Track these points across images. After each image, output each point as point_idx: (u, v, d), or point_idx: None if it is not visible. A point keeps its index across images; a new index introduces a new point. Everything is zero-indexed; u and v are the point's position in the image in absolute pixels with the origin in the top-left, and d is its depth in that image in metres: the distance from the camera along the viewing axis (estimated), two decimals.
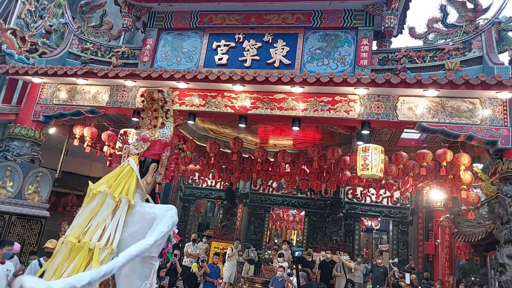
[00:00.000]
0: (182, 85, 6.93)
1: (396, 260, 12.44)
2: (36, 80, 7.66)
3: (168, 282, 7.79)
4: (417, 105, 6.24)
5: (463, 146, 7.62)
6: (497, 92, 5.76)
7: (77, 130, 8.85)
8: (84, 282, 1.94)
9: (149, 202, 2.70)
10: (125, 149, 2.89)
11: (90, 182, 2.69)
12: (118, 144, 2.99)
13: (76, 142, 8.90)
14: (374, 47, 7.07)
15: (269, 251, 12.88)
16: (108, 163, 10.23)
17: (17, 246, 5.55)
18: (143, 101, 3.08)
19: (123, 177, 2.64)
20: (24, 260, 6.60)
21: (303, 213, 16.53)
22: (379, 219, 16.87)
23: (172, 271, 8.33)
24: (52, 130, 8.80)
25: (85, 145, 9.01)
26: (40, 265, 5.47)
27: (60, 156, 9.38)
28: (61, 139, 9.65)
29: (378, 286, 9.60)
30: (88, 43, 8.24)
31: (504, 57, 6.25)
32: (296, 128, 6.84)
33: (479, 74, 5.74)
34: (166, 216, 2.44)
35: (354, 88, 6.25)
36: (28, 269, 5.41)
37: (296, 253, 3.33)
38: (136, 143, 2.87)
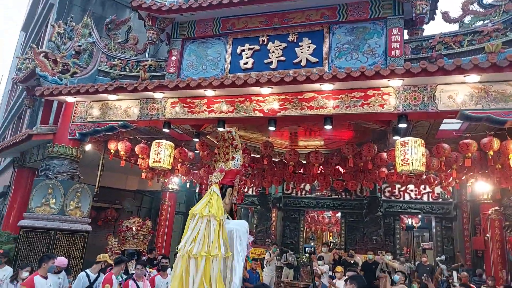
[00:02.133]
0: (209, 92, 6.90)
1: (443, 257, 11.82)
2: (69, 99, 7.89)
3: None
4: (458, 92, 5.87)
5: (510, 132, 7.12)
6: None
7: (112, 145, 9.05)
8: None
9: (229, 218, 3.60)
10: (209, 179, 3.83)
11: (192, 209, 3.59)
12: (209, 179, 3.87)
13: (111, 157, 9.11)
14: (406, 36, 6.76)
15: (307, 255, 12.61)
16: (143, 175, 10.42)
17: (62, 260, 5.68)
18: (218, 141, 4.13)
19: (215, 202, 3.50)
20: (76, 274, 6.78)
21: (338, 214, 16.11)
22: (419, 216, 16.16)
23: None
24: (88, 147, 9.04)
25: (121, 159, 9.20)
26: (88, 277, 5.57)
27: (97, 172, 9.62)
28: (97, 155, 9.91)
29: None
30: (115, 60, 8.42)
31: None
32: (328, 127, 6.62)
33: None
34: (244, 235, 3.51)
35: (388, 80, 5.98)
36: (77, 281, 5.54)
37: (307, 249, 3.49)
38: (215, 174, 3.76)
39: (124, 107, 7.69)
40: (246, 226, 3.69)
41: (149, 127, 8.92)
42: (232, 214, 3.75)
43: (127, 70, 8.28)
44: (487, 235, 10.89)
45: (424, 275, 7.76)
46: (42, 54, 8.51)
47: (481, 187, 10.39)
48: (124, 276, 5.96)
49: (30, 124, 11.37)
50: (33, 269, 5.60)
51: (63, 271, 5.77)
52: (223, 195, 3.67)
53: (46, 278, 5.18)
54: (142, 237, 5.94)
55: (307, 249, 3.72)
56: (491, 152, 6.79)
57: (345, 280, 4.49)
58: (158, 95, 7.25)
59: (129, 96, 7.55)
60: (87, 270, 5.80)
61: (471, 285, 8.36)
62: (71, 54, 8.88)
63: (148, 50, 10.32)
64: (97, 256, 6.22)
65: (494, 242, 10.62)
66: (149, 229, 6.07)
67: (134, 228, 5.96)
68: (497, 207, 10.20)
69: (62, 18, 10.66)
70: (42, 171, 7.67)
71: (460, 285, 5.13)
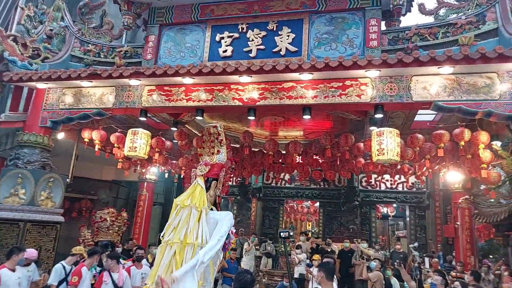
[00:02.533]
0: (187, 80, 6.79)
1: (416, 244, 12.24)
2: (40, 85, 7.59)
3: None
4: (432, 84, 6.01)
5: (480, 124, 7.37)
6: None
7: (86, 134, 8.80)
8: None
9: (213, 210, 3.69)
10: (193, 172, 3.92)
11: (175, 199, 3.63)
12: (193, 173, 3.92)
13: (85, 146, 8.86)
14: (383, 27, 6.83)
15: (282, 239, 12.74)
16: (119, 165, 10.20)
17: (32, 252, 5.52)
18: (202, 135, 4.24)
19: (198, 193, 3.60)
20: (47, 266, 6.61)
21: (317, 204, 16.36)
22: (394, 205, 16.63)
23: None
24: (61, 136, 8.75)
25: (96, 149, 8.97)
26: (64, 268, 5.44)
27: (70, 161, 9.35)
28: (71, 144, 9.62)
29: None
30: (90, 45, 8.13)
31: None
32: (307, 117, 6.65)
33: (496, 47, 5.48)
34: (224, 221, 3.47)
35: (365, 71, 6.04)
36: (53, 273, 5.41)
37: (282, 234, 3.55)
38: (200, 167, 3.87)
39: (99, 94, 7.47)
40: (231, 216, 3.71)
41: (125, 116, 8.70)
42: (216, 206, 3.86)
43: (102, 56, 8.01)
44: (458, 223, 11.31)
45: (397, 261, 8.00)
46: (10, 38, 8.10)
47: (453, 177, 10.74)
48: (99, 268, 5.85)
49: None
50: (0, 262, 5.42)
51: (33, 263, 5.60)
52: (208, 188, 3.77)
53: (14, 271, 5.01)
54: (117, 228, 5.78)
55: (281, 234, 3.78)
56: (462, 143, 7.01)
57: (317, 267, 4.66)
58: (134, 82, 7.07)
59: (104, 83, 7.32)
60: (63, 262, 5.66)
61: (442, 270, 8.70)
62: (42, 38, 8.50)
63: (125, 36, 10.02)
64: (72, 249, 6.07)
65: (464, 229, 11.05)
66: (125, 220, 5.93)
67: (108, 219, 5.81)
68: (467, 196, 10.59)
69: (32, 0, 10.18)
70: (11, 160, 7.36)
71: (434, 272, 5.32)
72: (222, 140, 4.09)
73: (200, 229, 3.42)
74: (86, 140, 8.78)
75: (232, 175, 4.35)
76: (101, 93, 7.45)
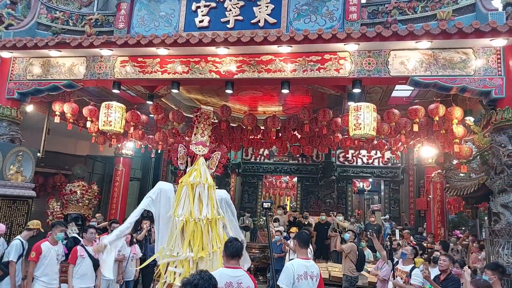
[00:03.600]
0: (162, 51, 6.54)
1: (387, 216, 12.65)
2: (5, 54, 7.15)
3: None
4: (409, 59, 6.02)
5: (454, 100, 7.51)
6: (491, 40, 5.56)
7: (57, 107, 8.44)
8: None
9: None
10: (181, 148, 4.39)
11: (182, 179, 4.16)
12: (181, 151, 4.37)
13: (57, 120, 8.52)
14: (363, 0, 6.71)
15: (264, 218, 12.95)
16: (93, 140, 9.92)
17: (1, 227, 5.36)
18: (198, 116, 4.58)
19: (204, 172, 4.13)
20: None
21: (295, 179, 16.58)
22: (370, 180, 17.06)
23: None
24: (30, 108, 8.36)
25: (68, 122, 8.65)
26: (22, 244, 5.29)
27: (42, 136, 9.01)
28: (41, 117, 9.25)
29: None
30: (57, 12, 7.66)
31: (497, 3, 5.99)
32: (285, 91, 6.58)
33: (472, 22, 5.50)
34: (230, 200, 4.46)
35: (344, 44, 5.97)
36: (14, 249, 5.25)
37: (264, 204, 3.72)
38: (198, 147, 4.31)
39: (69, 65, 7.11)
40: (227, 193, 4.46)
41: (97, 88, 8.39)
42: None
43: (71, 24, 7.58)
44: (430, 196, 11.75)
45: (370, 231, 8.26)
46: None
47: (427, 152, 11.06)
48: (65, 241, 5.68)
49: None
50: None
51: (1, 237, 5.45)
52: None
53: None
54: (87, 201, 5.63)
55: (264, 204, 3.89)
56: (436, 118, 7.14)
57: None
58: (105, 52, 6.75)
59: (74, 53, 6.97)
60: (20, 237, 5.48)
61: (413, 242, 9.06)
62: (5, 3, 7.93)
63: (96, 3, 9.48)
64: (29, 222, 5.87)
65: (436, 202, 11.51)
66: (95, 194, 5.79)
67: (78, 192, 5.66)
68: (439, 170, 10.95)
69: None
70: None
71: (413, 247, 5.54)
72: (210, 123, 4.60)
73: (214, 204, 4.05)
74: (57, 113, 8.43)
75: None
76: (71, 63, 7.11)
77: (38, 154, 7.98)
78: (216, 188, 4.38)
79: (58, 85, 7.12)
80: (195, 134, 4.54)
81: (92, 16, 7.38)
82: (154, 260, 7.37)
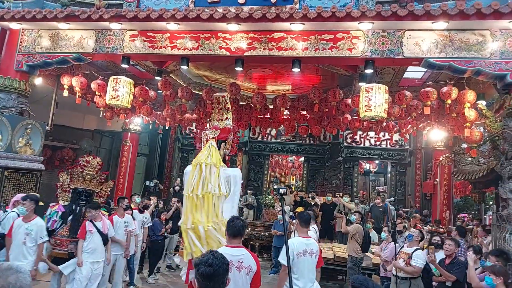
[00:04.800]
0: (172, 26, 6.43)
1: (392, 199, 12.69)
2: (13, 26, 7.09)
3: (171, 227, 7.88)
4: (424, 39, 5.86)
5: (467, 83, 7.35)
6: (510, 22, 5.38)
7: (65, 80, 8.44)
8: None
9: (223, 166, 4.56)
10: (203, 135, 4.79)
11: (194, 159, 4.54)
12: (203, 138, 4.78)
13: (66, 93, 8.53)
14: None
15: (270, 197, 13.07)
16: (101, 114, 9.95)
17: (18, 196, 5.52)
18: (212, 103, 5.33)
19: (214, 153, 4.50)
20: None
21: (302, 159, 16.59)
22: (377, 161, 17.01)
23: (175, 218, 8.41)
24: (38, 81, 8.37)
25: (76, 96, 8.66)
26: (18, 215, 5.25)
27: (50, 109, 9.05)
28: (50, 90, 9.26)
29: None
30: None
31: None
32: (296, 70, 6.48)
33: (492, 2, 5.30)
34: (237, 177, 4.57)
35: (358, 23, 5.82)
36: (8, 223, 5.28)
37: (281, 190, 3.75)
38: (211, 131, 4.76)
39: (78, 38, 7.04)
40: (239, 172, 4.74)
41: (106, 62, 8.35)
42: (225, 163, 4.71)
43: None
44: (437, 179, 11.71)
45: (340, 210, 8.44)
46: None
47: (436, 135, 10.94)
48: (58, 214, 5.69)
49: None
50: None
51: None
52: (218, 148, 4.61)
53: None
54: (89, 176, 5.61)
55: (280, 190, 3.90)
56: (449, 101, 7.02)
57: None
58: (115, 26, 6.66)
59: (83, 26, 6.89)
60: (15, 209, 5.43)
61: (418, 225, 9.10)
62: None
63: None
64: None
65: (442, 186, 11.48)
66: (96, 169, 5.72)
67: (85, 165, 5.68)
68: (448, 154, 10.87)
69: None
70: None
71: (420, 231, 5.56)
72: (228, 108, 4.99)
73: (219, 182, 4.38)
74: (65, 86, 8.43)
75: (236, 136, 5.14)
76: (80, 36, 7.03)
77: (47, 127, 8.03)
78: (232, 167, 4.86)
79: (67, 58, 7.08)
80: (210, 120, 5.03)
81: None
82: (162, 237, 7.58)
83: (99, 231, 5.34)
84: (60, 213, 5.57)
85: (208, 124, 4.99)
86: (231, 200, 4.47)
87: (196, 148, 4.96)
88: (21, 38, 7.28)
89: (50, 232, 5.36)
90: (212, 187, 4.29)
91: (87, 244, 5.23)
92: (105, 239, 5.38)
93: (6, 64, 7.23)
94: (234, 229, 3.19)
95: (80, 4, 7.35)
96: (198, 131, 5.02)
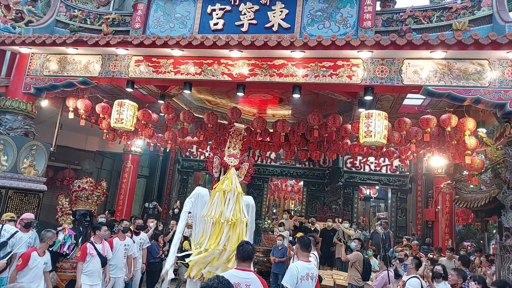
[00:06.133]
0: (176, 52, 6.61)
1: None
2: (24, 50, 7.30)
3: (168, 249, 7.78)
4: (423, 68, 6.00)
5: (467, 110, 7.44)
6: (507, 52, 5.52)
7: (70, 103, 8.58)
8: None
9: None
10: (216, 159, 5.26)
11: (215, 186, 4.96)
12: (216, 162, 5.27)
13: (70, 115, 8.66)
14: (378, 7, 6.71)
15: (269, 221, 12.95)
16: (104, 136, 10.04)
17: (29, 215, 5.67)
18: (231, 132, 5.43)
19: (235, 180, 4.95)
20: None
21: (301, 183, 16.55)
22: (377, 187, 16.95)
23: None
24: (44, 103, 8.52)
25: (80, 118, 8.77)
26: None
27: (54, 130, 9.15)
28: (55, 112, 9.39)
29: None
30: (76, 10, 7.80)
31: None
32: (296, 96, 6.61)
33: (489, 33, 5.47)
34: (253, 206, 5.27)
35: (358, 51, 5.98)
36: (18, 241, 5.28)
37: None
38: (231, 159, 5.13)
39: (84, 62, 7.23)
40: (253, 200, 5.26)
41: (111, 86, 8.51)
42: None
43: (88, 23, 7.71)
44: (438, 207, 11.63)
45: (339, 237, 8.34)
46: None
47: (436, 162, 10.95)
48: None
49: None
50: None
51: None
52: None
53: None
54: (96, 198, 5.74)
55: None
56: (448, 128, 7.07)
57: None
58: (121, 51, 6.85)
59: (90, 51, 7.09)
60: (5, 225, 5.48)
61: (420, 253, 8.97)
62: (26, 1, 8.11)
63: (112, 2, 9.61)
64: (5, 215, 5.90)
65: (444, 213, 11.39)
66: (104, 191, 5.89)
67: (87, 188, 5.74)
68: (449, 181, 10.84)
69: None
70: None
71: (414, 257, 5.47)
72: (242, 139, 5.44)
73: (242, 208, 4.83)
74: (70, 109, 8.56)
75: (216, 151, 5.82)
76: (87, 61, 7.22)
77: (51, 148, 8.10)
78: (244, 195, 5.13)
79: (73, 81, 7.24)
80: (228, 148, 5.31)
81: (109, 16, 7.49)
82: (160, 259, 7.49)
83: (99, 253, 5.31)
84: (73, 236, 5.57)
85: (226, 152, 5.29)
86: (251, 226, 5.10)
87: (212, 174, 5.33)
88: (30, 62, 7.48)
89: (65, 256, 5.37)
90: (243, 214, 4.79)
91: (87, 266, 5.20)
92: (103, 261, 5.33)
93: (14, 86, 7.39)
94: (244, 253, 3.36)
95: (88, 30, 7.61)
96: (212, 156, 5.40)
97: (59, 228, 5.64)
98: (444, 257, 8.23)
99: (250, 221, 5.04)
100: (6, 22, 7.57)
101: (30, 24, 7.66)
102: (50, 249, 5.12)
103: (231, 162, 5.09)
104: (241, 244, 3.46)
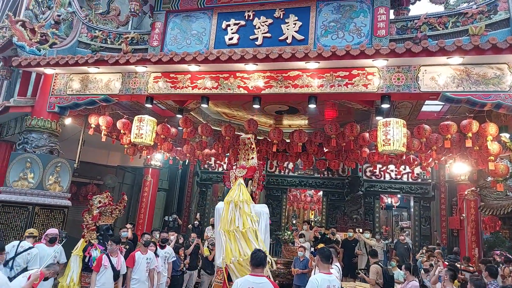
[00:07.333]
0: (193, 67, 6.78)
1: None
2: (48, 71, 7.63)
3: (189, 262, 7.86)
4: (440, 74, 5.93)
5: (489, 115, 7.27)
6: None
7: (92, 120, 8.86)
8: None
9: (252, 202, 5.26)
10: (231, 173, 5.47)
11: (226, 197, 5.25)
12: (232, 176, 5.53)
13: (91, 132, 8.94)
14: (392, 16, 6.72)
15: (289, 232, 12.86)
16: (125, 151, 10.29)
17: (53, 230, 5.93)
18: (239, 144, 5.72)
19: (244, 191, 5.16)
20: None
21: (320, 193, 16.39)
22: (399, 195, 16.60)
23: (194, 254, 8.37)
24: (68, 121, 8.82)
25: (102, 134, 9.04)
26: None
27: (77, 147, 9.45)
28: (78, 129, 9.70)
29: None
30: (97, 31, 8.13)
31: None
32: (312, 106, 6.62)
33: (507, 37, 5.37)
34: (265, 215, 5.24)
35: (373, 60, 5.97)
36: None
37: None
38: (239, 170, 5.39)
39: (105, 80, 7.49)
40: (267, 208, 5.34)
41: (131, 102, 8.75)
42: (253, 200, 5.29)
43: (109, 43, 8.02)
44: (463, 215, 11.29)
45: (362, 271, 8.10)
46: (19, 23, 8.12)
47: (459, 168, 10.68)
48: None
49: (7, 95, 10.98)
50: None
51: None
52: (246, 186, 5.23)
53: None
54: (118, 211, 5.97)
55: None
56: (470, 134, 6.92)
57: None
58: (140, 69, 7.07)
59: (111, 69, 7.34)
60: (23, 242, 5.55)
61: (444, 263, 8.71)
62: (50, 24, 8.52)
63: (131, 22, 9.98)
64: (31, 230, 6.03)
65: (469, 221, 11.04)
66: (124, 204, 6.11)
67: (106, 202, 5.93)
68: (473, 188, 10.53)
69: None
70: (20, 144, 7.47)
71: (449, 269, 5.33)
72: (254, 148, 5.63)
73: (246, 217, 4.94)
74: (92, 125, 8.85)
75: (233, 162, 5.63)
76: (108, 79, 7.48)
77: (74, 164, 8.36)
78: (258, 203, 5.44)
79: (95, 99, 7.50)
80: (238, 160, 5.66)
81: (129, 35, 7.78)
82: (181, 272, 7.57)
83: (112, 266, 5.42)
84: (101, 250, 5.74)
85: (236, 164, 5.61)
86: (266, 230, 5.22)
87: (226, 187, 5.58)
88: (54, 82, 7.81)
89: None
90: (251, 222, 4.94)
91: (99, 278, 5.31)
92: (116, 275, 5.45)
93: (39, 106, 7.72)
94: (257, 260, 3.62)
95: (108, 49, 7.90)
96: (228, 170, 5.67)
97: (90, 246, 5.80)
98: (472, 267, 7.97)
99: (264, 228, 5.20)
100: (32, 45, 7.94)
101: (54, 46, 8.02)
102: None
103: (239, 173, 5.39)
104: (254, 251, 3.73)
